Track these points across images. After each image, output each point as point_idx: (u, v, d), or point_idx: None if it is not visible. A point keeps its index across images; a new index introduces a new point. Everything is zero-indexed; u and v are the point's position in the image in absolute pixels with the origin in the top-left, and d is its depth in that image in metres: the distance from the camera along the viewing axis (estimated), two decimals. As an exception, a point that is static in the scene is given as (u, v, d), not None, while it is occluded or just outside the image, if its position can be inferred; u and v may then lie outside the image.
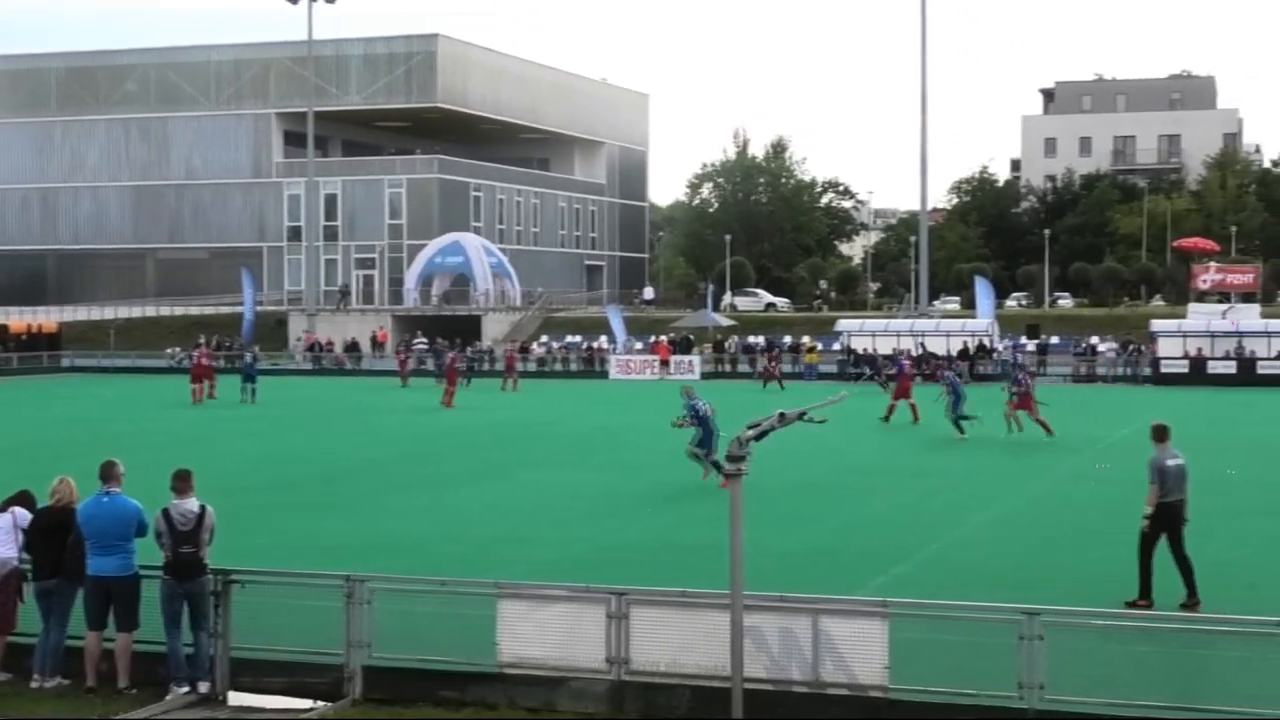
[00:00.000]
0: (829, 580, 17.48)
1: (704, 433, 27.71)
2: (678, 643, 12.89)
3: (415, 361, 66.69)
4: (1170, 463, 16.76)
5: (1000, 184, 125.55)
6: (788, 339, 74.18)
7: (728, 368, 71.97)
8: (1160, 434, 17.05)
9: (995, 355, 67.15)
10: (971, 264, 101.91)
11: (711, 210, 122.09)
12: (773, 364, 63.25)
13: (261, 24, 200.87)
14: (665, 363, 69.43)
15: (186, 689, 13.60)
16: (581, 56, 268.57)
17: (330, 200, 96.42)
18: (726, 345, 75.16)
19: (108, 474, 14.10)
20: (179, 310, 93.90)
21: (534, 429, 39.94)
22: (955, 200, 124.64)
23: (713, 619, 12.71)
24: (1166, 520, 16.58)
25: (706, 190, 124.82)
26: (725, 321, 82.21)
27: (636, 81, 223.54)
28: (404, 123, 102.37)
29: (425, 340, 77.65)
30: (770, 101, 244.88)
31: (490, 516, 24.14)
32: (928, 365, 61.65)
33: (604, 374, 70.06)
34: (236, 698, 13.63)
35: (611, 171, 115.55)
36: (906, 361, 48.04)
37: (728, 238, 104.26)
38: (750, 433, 12.20)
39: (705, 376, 68.43)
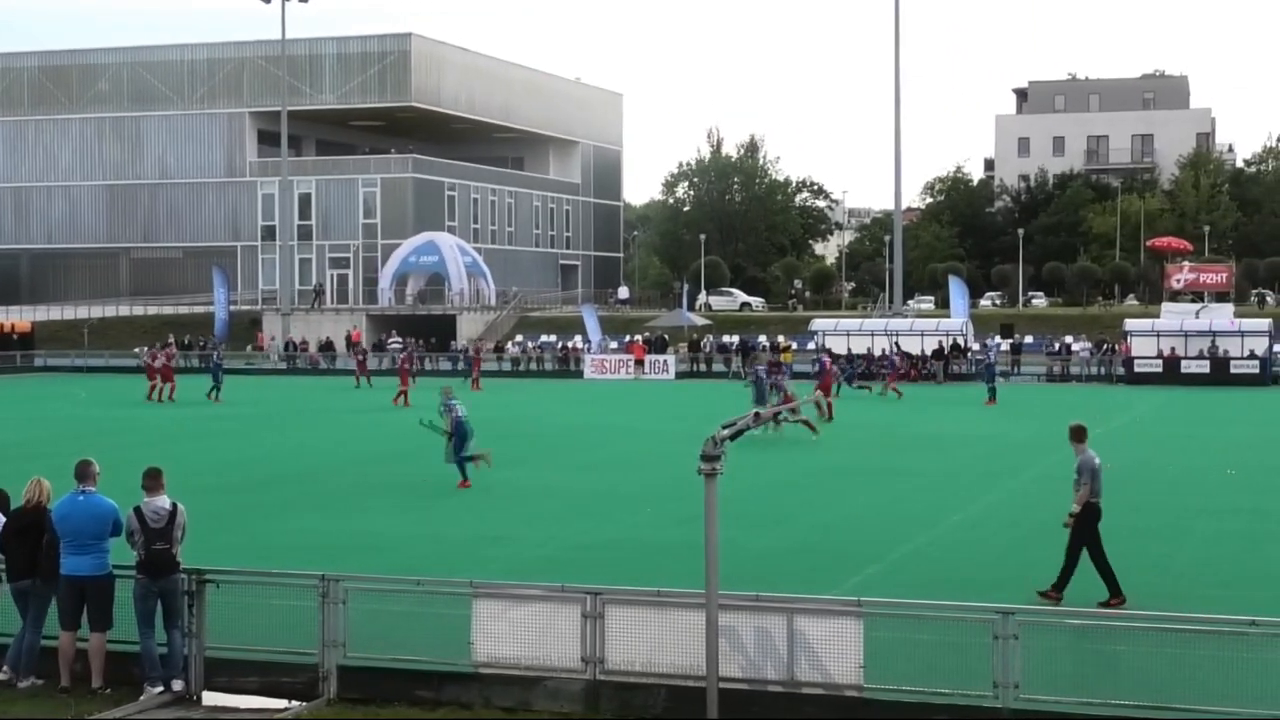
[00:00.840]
0: (804, 579, 17.52)
1: (459, 435, 27.89)
2: (653, 642, 12.90)
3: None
4: (1099, 463, 17.04)
5: (974, 183, 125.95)
6: (762, 338, 74.28)
7: (703, 367, 72.07)
8: (1081, 434, 17.26)
9: (970, 355, 67.37)
10: (946, 263, 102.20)
11: (686, 209, 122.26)
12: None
13: (235, 23, 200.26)
14: (640, 362, 69.49)
15: (161, 689, 13.56)
16: (556, 56, 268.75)
17: (304, 199, 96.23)
18: (702, 344, 75.25)
19: (83, 473, 14.06)
20: (152, 310, 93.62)
21: (508, 428, 39.89)
22: (929, 200, 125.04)
23: (688, 618, 12.72)
24: (1094, 519, 16.81)
25: (681, 189, 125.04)
26: (700, 321, 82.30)
27: (611, 81, 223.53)
28: (378, 122, 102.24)
29: (400, 340, 77.66)
30: (745, 101, 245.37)
31: (465, 516, 24.12)
32: (915, 364, 62.08)
33: (579, 374, 70.07)
34: (211, 697, 13.60)
35: (586, 171, 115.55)
36: (826, 359, 49.81)
37: (702, 237, 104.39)
38: (725, 432, 12.21)
39: (680, 376, 68.54)
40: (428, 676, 13.36)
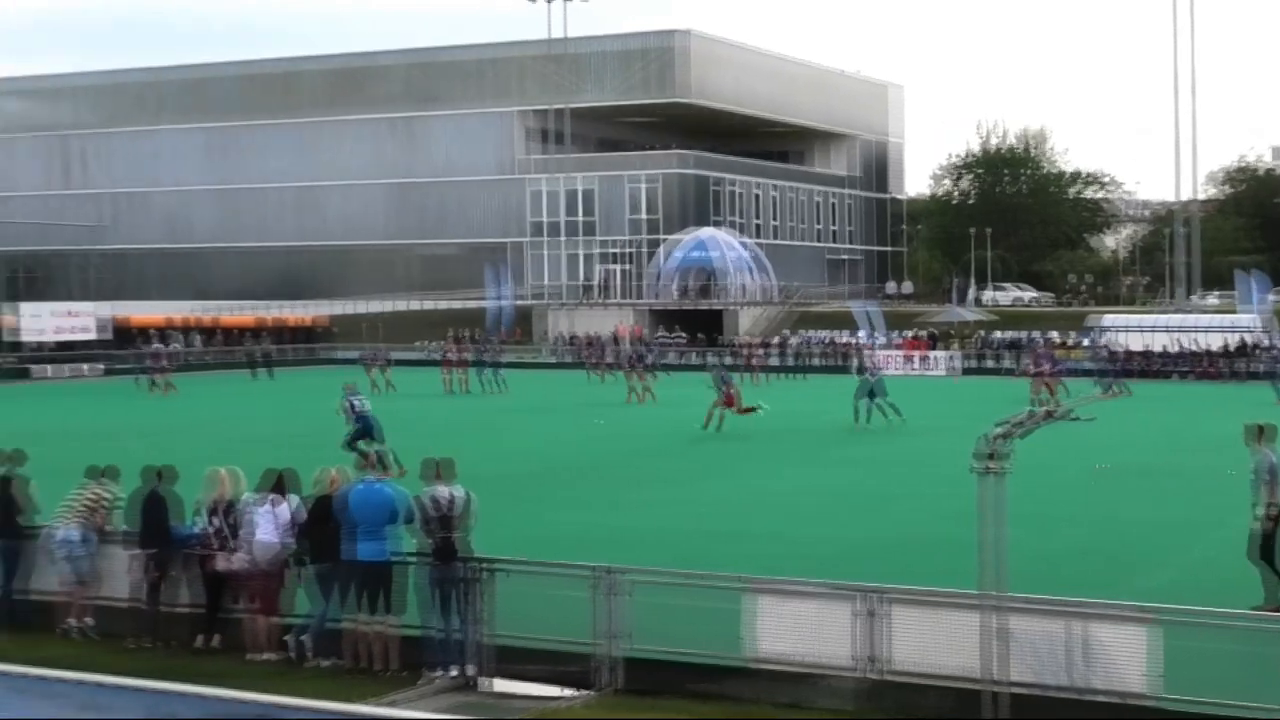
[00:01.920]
0: (1089, 582, 17.07)
1: (364, 427, 29.41)
2: (931, 642, 12.73)
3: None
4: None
5: (1262, 173, 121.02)
6: (1038, 334, 72.70)
7: (974, 363, 70.84)
8: (1265, 434, 16.76)
9: (1262, 353, 64.73)
10: (1240, 256, 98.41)
11: (962, 202, 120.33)
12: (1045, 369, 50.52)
13: (512, 23, 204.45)
14: (917, 358, 68.73)
15: (445, 673, 13.92)
16: (832, 48, 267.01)
17: (577, 196, 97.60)
18: (974, 340, 74.08)
19: (371, 463, 14.64)
20: (431, 304, 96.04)
21: (786, 423, 39.84)
22: (1218, 190, 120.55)
23: (968, 619, 12.52)
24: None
25: (957, 182, 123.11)
26: (975, 316, 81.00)
27: (889, 72, 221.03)
28: (651, 118, 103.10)
29: (683, 335, 78.56)
30: (1026, 89, 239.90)
31: (735, 511, 24.19)
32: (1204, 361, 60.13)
33: (847, 369, 69.54)
34: (495, 684, 13.90)
35: (864, 164, 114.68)
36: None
37: (976, 231, 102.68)
38: (1001, 430, 12.00)
39: (957, 372, 67.59)
40: (703, 670, 13.41)
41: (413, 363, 70.15)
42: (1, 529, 16.47)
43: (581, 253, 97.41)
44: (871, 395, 39.31)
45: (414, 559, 14.49)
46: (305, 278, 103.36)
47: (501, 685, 13.86)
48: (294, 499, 15.17)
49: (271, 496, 15.17)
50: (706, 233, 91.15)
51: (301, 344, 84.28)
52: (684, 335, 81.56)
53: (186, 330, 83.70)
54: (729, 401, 37.97)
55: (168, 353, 61.41)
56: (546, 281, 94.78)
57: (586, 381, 59.24)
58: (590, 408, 46.66)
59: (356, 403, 30.25)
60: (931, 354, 70.01)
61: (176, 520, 15.73)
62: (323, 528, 14.68)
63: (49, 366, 68.43)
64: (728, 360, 60.63)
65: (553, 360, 78.66)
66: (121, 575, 15.83)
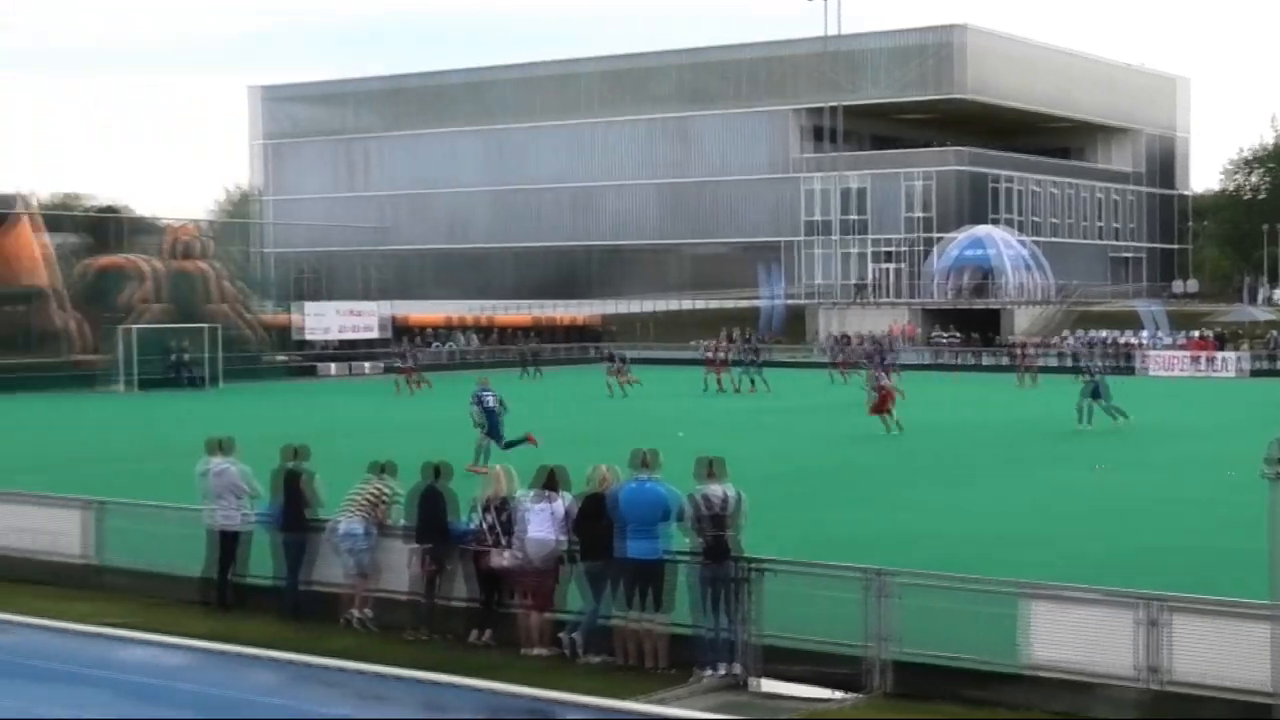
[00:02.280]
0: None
1: (490, 424, 30.09)
2: (1217, 653, 12.30)
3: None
4: None
5: None
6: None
7: (1265, 365, 68.09)
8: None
9: None
10: None
11: (1253, 197, 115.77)
12: None
13: (785, 22, 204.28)
14: (1203, 358, 66.49)
15: (715, 672, 13.98)
16: (1115, 41, 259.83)
17: (851, 194, 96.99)
18: (1265, 340, 71.29)
19: (645, 461, 14.77)
20: (700, 304, 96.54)
21: (1056, 426, 38.99)
22: None
23: (1256, 630, 12.07)
24: None
25: (1248, 176, 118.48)
26: (1268, 315, 77.97)
27: (1176, 65, 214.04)
28: (926, 115, 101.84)
29: (958, 335, 77.57)
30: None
31: (1007, 513, 23.77)
32: None
33: (1130, 370, 67.65)
34: (763, 684, 13.90)
35: (1148, 159, 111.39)
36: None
37: (1268, 228, 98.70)
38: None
39: (1249, 373, 65.19)
40: (976, 676, 13.20)
41: (683, 362, 70.66)
42: (289, 522, 17.15)
43: (854, 251, 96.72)
44: (1095, 396, 38.59)
45: (685, 557, 14.58)
46: (579, 277, 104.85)
47: (769, 685, 13.86)
48: (566, 496, 15.40)
49: (545, 493, 15.43)
50: (982, 230, 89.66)
51: (575, 343, 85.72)
52: (958, 335, 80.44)
53: (463, 329, 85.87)
54: (881, 404, 38.12)
55: (412, 351, 62.92)
56: (819, 281, 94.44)
57: (829, 382, 58.68)
58: (835, 410, 46.14)
59: (488, 399, 30.50)
60: (1219, 355, 67.64)
61: (453, 516, 16.13)
62: (594, 525, 14.87)
63: (332, 365, 70.92)
64: (1004, 360, 59.64)
65: (823, 360, 78.32)
66: (400, 568, 16.30)
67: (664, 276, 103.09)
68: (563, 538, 15.19)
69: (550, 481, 15.52)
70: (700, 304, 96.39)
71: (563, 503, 15.31)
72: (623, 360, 56.27)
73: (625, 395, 51.65)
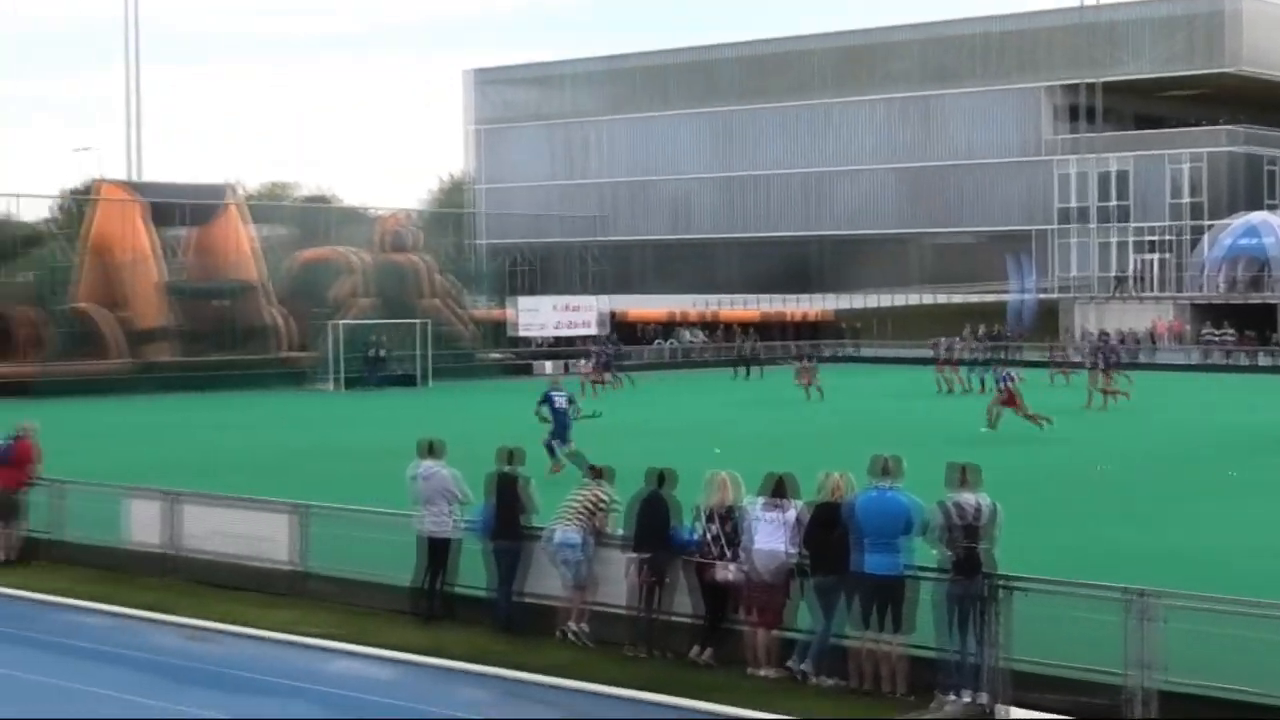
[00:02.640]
0: None
1: (558, 425, 30.51)
2: None
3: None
4: None
5: None
6: None
7: None
8: None
9: None
10: None
11: None
12: None
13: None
14: None
15: (959, 699, 13.73)
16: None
17: (1110, 179, 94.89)
18: None
19: (886, 468, 14.58)
20: (941, 298, 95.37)
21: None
22: None
23: None
24: None
25: None
26: None
27: None
28: (1194, 90, 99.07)
29: (1232, 332, 75.60)
30: None
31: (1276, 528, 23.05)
32: None
33: None
34: (1012, 713, 13.59)
35: None
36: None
37: None
38: None
39: None
40: (1254, 709, 12.73)
41: (920, 361, 69.89)
42: (502, 530, 17.28)
43: (1114, 240, 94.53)
44: None
45: (929, 573, 14.35)
46: (810, 269, 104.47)
47: (1018, 715, 13.56)
48: (797, 504, 15.28)
49: (775, 502, 15.32)
50: (1259, 217, 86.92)
51: (806, 340, 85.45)
52: (1232, 332, 78.12)
53: (686, 325, 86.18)
54: (1009, 401, 38.57)
55: (599, 349, 63.06)
56: (1074, 273, 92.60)
57: (1050, 384, 57.20)
58: (1071, 415, 45.07)
59: (558, 399, 30.88)
60: None
61: (675, 524, 16.11)
62: (827, 536, 14.72)
63: (548, 363, 71.48)
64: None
65: (1077, 359, 76.68)
66: (619, 580, 16.34)
67: (902, 269, 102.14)
68: (793, 550, 15.07)
69: (779, 489, 15.41)
70: (942, 298, 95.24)
71: (794, 511, 15.19)
72: (809, 360, 55.81)
73: (819, 398, 50.99)
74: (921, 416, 44.20)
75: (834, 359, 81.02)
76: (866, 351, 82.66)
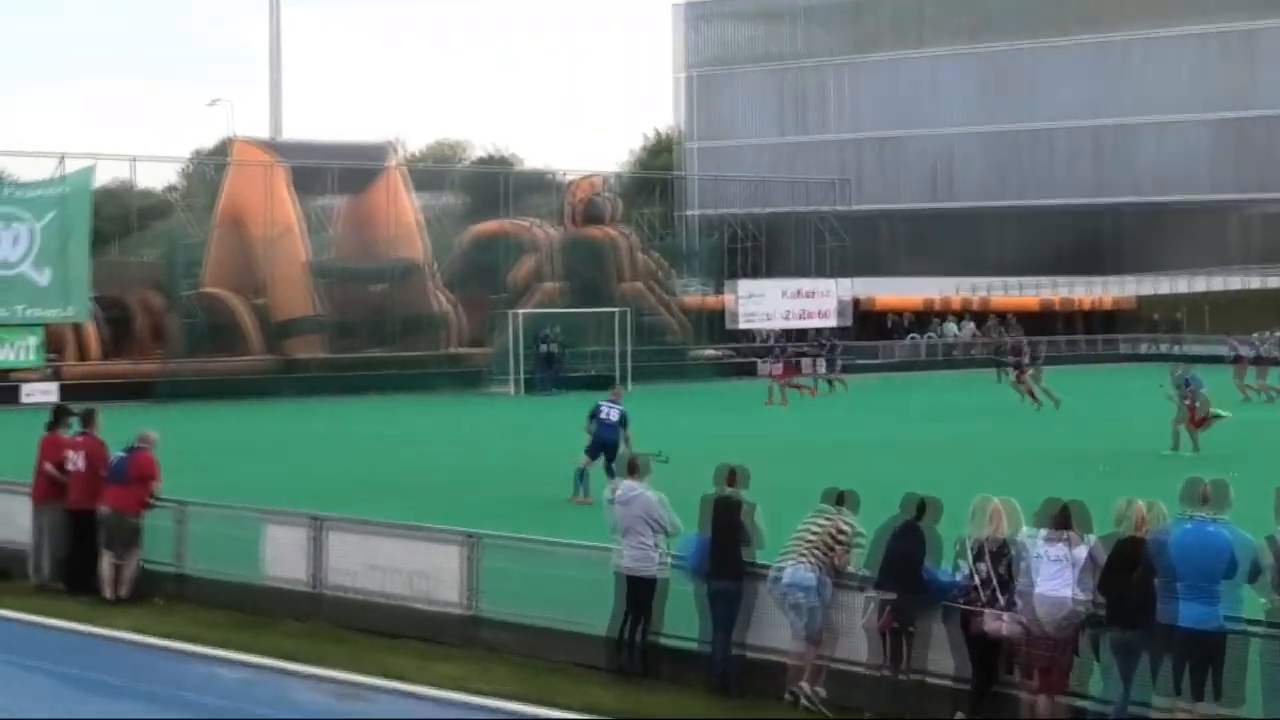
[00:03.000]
0: None
1: (595, 442, 30.30)
2: None
3: None
4: None
5: None
6: None
7: None
8: None
9: None
10: None
11: None
12: None
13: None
14: None
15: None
16: None
17: None
18: None
19: (1205, 496, 14.29)
20: (1272, 281, 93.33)
21: None
22: None
23: None
24: None
25: None
26: None
27: None
28: None
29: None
30: None
31: None
32: None
33: None
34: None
35: None
36: None
37: None
38: None
39: None
40: None
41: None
42: (719, 567, 17.11)
43: None
44: None
45: (1259, 627, 14.02)
46: (1105, 247, 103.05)
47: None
48: (1090, 539, 15.02)
49: (1062, 535, 15.07)
50: None
51: (1098, 333, 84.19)
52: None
53: (947, 315, 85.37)
54: (1192, 416, 38.58)
55: (782, 346, 62.77)
56: None
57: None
58: None
59: (610, 412, 30.77)
60: None
61: (931, 562, 15.91)
62: (1126, 580, 14.47)
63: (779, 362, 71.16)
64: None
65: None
66: (861, 631, 16.19)
67: (1221, 245, 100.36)
68: (1083, 595, 14.81)
69: (1065, 519, 15.17)
70: (1273, 281, 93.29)
71: (1085, 548, 14.92)
72: (1029, 359, 54.45)
73: (1035, 405, 50.11)
74: (1232, 431, 43.38)
75: (1135, 357, 79.73)
76: (1181, 348, 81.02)
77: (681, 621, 17.62)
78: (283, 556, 21.16)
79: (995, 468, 33.62)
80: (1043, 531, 15.25)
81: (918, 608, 15.87)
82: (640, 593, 17.70)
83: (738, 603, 17.12)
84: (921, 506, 16.20)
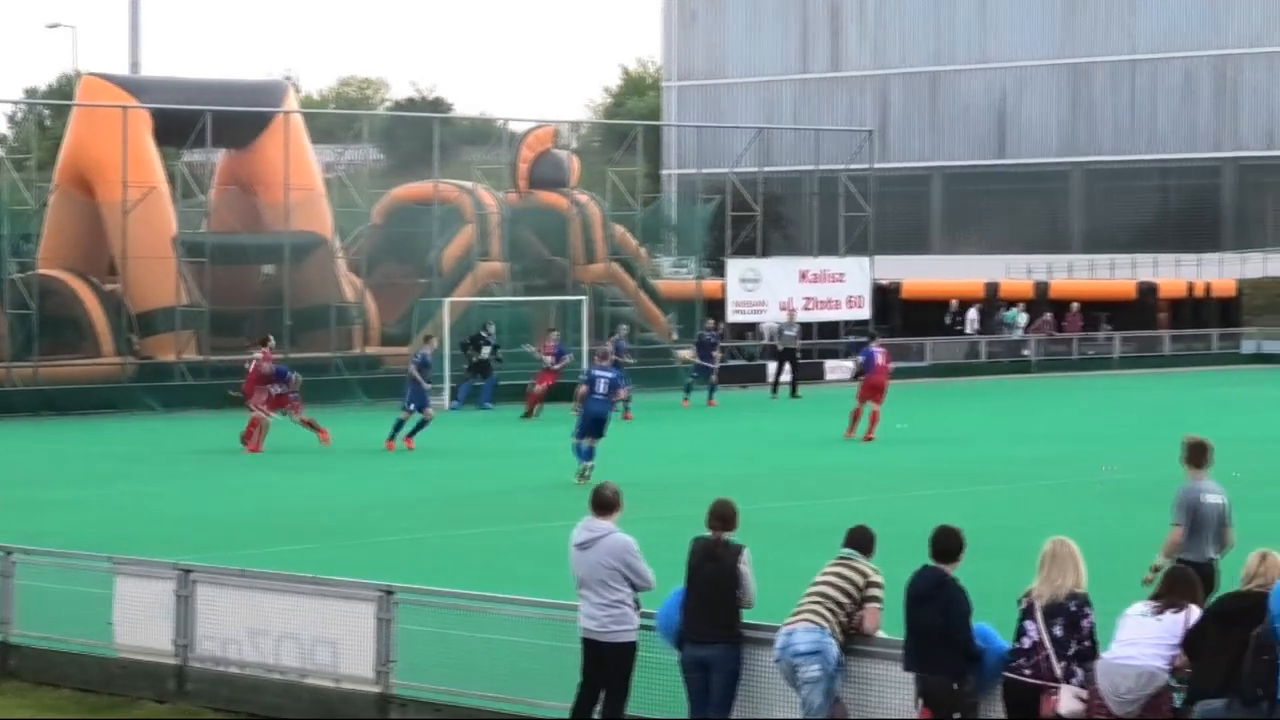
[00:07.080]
0: None
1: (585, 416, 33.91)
2: None
3: None
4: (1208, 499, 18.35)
5: None
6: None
7: None
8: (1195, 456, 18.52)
9: None
10: None
11: None
12: None
13: None
14: None
15: None
16: None
17: None
18: None
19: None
20: None
21: None
22: None
23: None
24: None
25: None
26: None
27: None
28: None
29: None
30: None
31: None
32: None
33: None
34: None
35: None
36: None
37: None
38: None
39: None
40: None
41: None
42: (705, 628, 16.91)
43: None
44: None
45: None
46: (1220, 216, 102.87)
47: None
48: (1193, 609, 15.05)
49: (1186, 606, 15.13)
50: None
51: (1204, 325, 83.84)
52: None
53: (988, 304, 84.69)
54: None
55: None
56: None
57: None
58: None
59: (598, 378, 33.62)
60: None
61: (961, 624, 15.76)
62: (1227, 642, 14.49)
63: (826, 361, 71.12)
64: None
65: None
66: (889, 708, 16.20)
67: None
68: (1166, 665, 14.80)
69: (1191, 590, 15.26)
70: None
71: (1195, 609, 14.97)
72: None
73: None
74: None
75: (1238, 359, 79.92)
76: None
77: (661, 698, 17.59)
78: (140, 620, 21.07)
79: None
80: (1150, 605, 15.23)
81: (959, 692, 15.80)
82: (609, 663, 17.45)
83: (734, 677, 17.00)
84: (948, 547, 16.05)
